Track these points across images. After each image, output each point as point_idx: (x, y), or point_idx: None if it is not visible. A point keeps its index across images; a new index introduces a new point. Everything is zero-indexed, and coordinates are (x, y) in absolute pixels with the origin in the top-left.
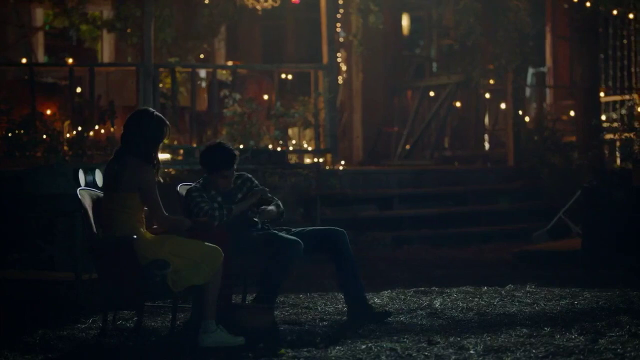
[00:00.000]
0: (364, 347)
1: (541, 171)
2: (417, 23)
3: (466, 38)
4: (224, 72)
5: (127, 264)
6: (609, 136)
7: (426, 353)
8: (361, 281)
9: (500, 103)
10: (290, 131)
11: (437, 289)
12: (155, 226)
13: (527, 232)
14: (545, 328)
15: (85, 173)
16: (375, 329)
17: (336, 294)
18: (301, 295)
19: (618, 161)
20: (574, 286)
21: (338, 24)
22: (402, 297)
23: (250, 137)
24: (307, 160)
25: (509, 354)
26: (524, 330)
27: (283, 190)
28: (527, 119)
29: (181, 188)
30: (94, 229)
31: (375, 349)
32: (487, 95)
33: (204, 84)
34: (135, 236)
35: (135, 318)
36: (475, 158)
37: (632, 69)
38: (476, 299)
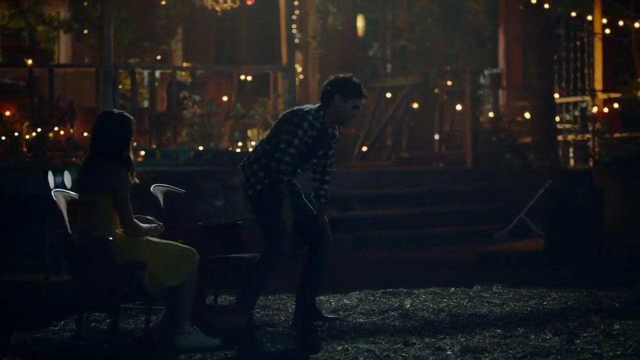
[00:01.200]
0: (340, 348)
1: (499, 172)
2: (372, 24)
3: (424, 39)
4: (183, 73)
5: (103, 265)
6: (563, 137)
7: (404, 354)
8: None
9: (456, 104)
10: (249, 132)
11: (405, 290)
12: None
13: (487, 233)
14: (519, 329)
15: (55, 174)
16: (349, 330)
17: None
18: (270, 297)
19: (572, 162)
20: (541, 287)
21: (294, 25)
22: (372, 298)
23: (210, 139)
24: None
25: (487, 354)
26: (498, 330)
27: None
28: (481, 119)
29: (155, 189)
30: (69, 231)
31: (353, 350)
32: (444, 97)
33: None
34: (110, 237)
35: (109, 320)
36: (433, 159)
37: (586, 71)
38: (445, 299)
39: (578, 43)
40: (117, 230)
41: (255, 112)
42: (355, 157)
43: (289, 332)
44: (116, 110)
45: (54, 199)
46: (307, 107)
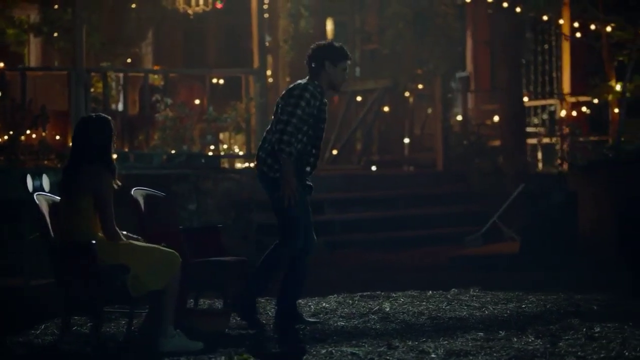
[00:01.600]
0: (324, 351)
1: (470, 176)
2: (341, 28)
3: (395, 43)
4: (156, 76)
5: (86, 268)
6: (532, 141)
7: (388, 357)
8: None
9: (427, 108)
10: (221, 135)
11: (382, 293)
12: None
13: (458, 236)
14: (500, 332)
15: (33, 178)
16: (331, 334)
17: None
18: None
19: (540, 165)
20: (517, 290)
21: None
22: (350, 301)
23: (182, 142)
24: (238, 165)
25: (471, 357)
26: (480, 334)
27: (216, 194)
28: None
29: (135, 192)
30: (52, 234)
31: (337, 354)
32: (411, 100)
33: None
34: (94, 241)
35: (90, 324)
36: (403, 163)
37: (554, 74)
38: (424, 303)
39: (546, 46)
40: (100, 234)
41: (228, 116)
42: (326, 160)
43: (270, 335)
44: (92, 115)
45: (37, 202)
46: (299, 81)
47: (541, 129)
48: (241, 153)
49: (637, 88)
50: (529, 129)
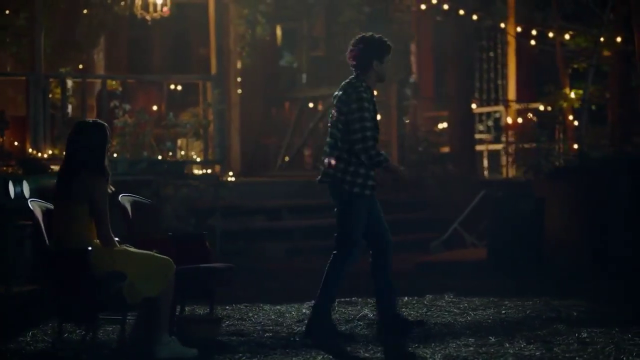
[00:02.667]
0: (320, 358)
1: (425, 182)
2: (289, 34)
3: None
4: (114, 82)
5: (82, 275)
6: (481, 147)
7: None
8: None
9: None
10: (179, 142)
11: (360, 299)
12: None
13: (418, 243)
14: (490, 337)
15: (14, 184)
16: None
17: (261, 305)
18: (228, 307)
19: (485, 172)
20: (492, 296)
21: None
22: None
23: (142, 148)
24: (196, 171)
25: None
26: (470, 339)
27: (176, 200)
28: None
29: (123, 199)
30: (47, 241)
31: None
32: None
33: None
34: (90, 248)
35: (78, 330)
36: None
37: (499, 82)
38: (404, 309)
39: (492, 54)
40: (95, 241)
41: (187, 122)
42: (278, 167)
43: (262, 341)
44: (88, 120)
45: (31, 208)
46: (348, 80)
47: (487, 136)
48: (198, 159)
49: (592, 96)
50: (477, 136)
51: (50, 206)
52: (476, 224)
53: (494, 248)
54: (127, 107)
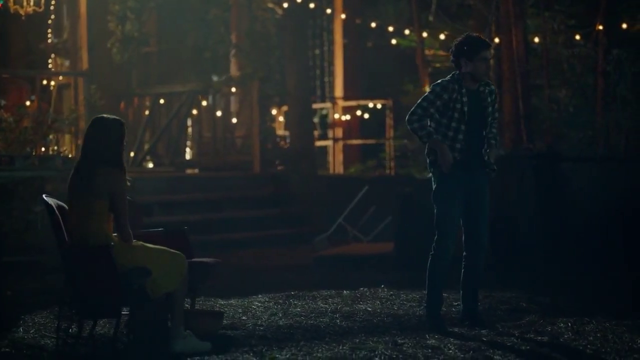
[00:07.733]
0: (340, 348)
1: (289, 178)
2: None
3: (218, 47)
4: None
5: (104, 272)
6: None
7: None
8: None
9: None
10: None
11: (300, 293)
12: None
13: (290, 238)
14: (475, 329)
15: None
16: (332, 332)
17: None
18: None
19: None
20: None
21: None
22: (282, 302)
23: (26, 144)
24: None
25: (484, 348)
26: (455, 329)
27: (61, 196)
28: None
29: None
30: (66, 237)
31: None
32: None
33: None
34: (112, 243)
35: (89, 327)
36: (220, 165)
37: (326, 79)
38: (355, 303)
39: (317, 52)
40: (114, 236)
41: (66, 118)
42: (131, 163)
43: (265, 335)
44: (105, 115)
45: (50, 204)
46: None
47: (316, 132)
48: (70, 156)
49: None
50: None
51: (61, 203)
52: (358, 219)
53: (400, 242)
54: (2, 102)
